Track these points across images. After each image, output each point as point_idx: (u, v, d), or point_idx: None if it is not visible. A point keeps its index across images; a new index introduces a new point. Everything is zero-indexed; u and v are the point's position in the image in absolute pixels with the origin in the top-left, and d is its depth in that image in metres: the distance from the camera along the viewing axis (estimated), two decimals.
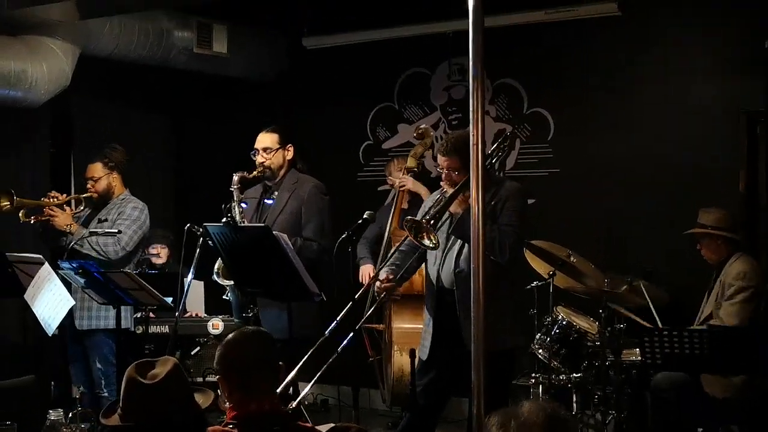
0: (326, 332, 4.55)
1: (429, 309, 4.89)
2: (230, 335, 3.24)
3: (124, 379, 3.04)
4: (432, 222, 4.52)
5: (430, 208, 4.72)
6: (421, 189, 6.47)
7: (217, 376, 3.17)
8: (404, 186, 6.56)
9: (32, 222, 5.86)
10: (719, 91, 6.45)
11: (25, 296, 5.26)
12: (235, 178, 5.33)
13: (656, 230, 6.45)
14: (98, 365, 5.83)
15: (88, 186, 6.01)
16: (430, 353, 4.82)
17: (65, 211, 5.90)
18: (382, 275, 4.87)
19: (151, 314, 6.30)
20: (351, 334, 4.50)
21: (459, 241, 4.70)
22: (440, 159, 4.74)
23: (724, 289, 5.41)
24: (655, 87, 6.68)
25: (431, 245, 4.55)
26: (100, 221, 5.89)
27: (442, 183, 4.80)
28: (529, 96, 7.13)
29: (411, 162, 6.62)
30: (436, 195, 4.89)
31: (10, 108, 6.50)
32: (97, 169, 5.98)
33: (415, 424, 4.94)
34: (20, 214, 5.86)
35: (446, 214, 4.69)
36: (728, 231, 5.51)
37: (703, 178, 6.40)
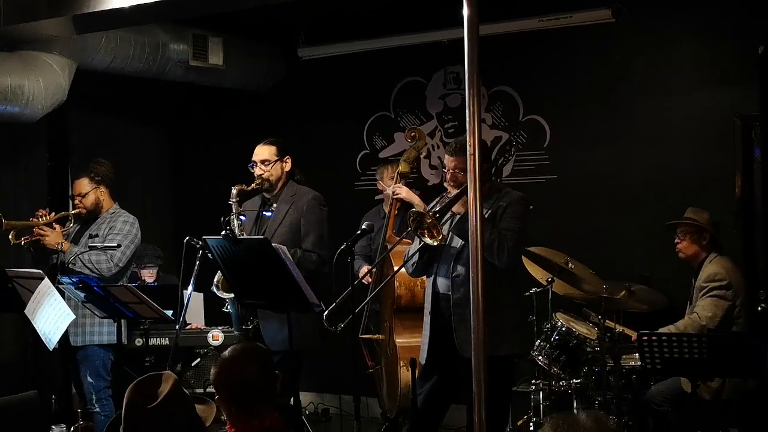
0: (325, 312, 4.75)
1: (426, 313, 4.92)
2: (224, 354, 3.22)
3: (125, 400, 2.98)
4: (438, 215, 4.56)
5: (432, 206, 4.76)
6: (415, 199, 6.14)
7: (216, 396, 3.15)
8: (398, 195, 6.27)
9: (23, 243, 5.82)
10: (714, 96, 6.47)
11: (25, 311, 5.25)
12: (234, 191, 5.33)
13: (653, 235, 6.46)
14: (89, 379, 5.78)
15: (76, 202, 5.99)
16: (429, 357, 4.85)
17: (55, 229, 5.86)
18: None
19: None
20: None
21: (458, 243, 4.72)
22: (447, 159, 4.81)
23: (697, 292, 5.56)
24: (649, 93, 6.70)
25: (432, 242, 4.56)
26: (91, 236, 5.86)
27: (446, 184, 4.85)
28: (524, 103, 7.15)
29: (404, 167, 6.35)
30: (436, 200, 4.94)
31: (8, 123, 6.52)
32: (83, 184, 5.95)
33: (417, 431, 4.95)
34: (10, 236, 5.82)
35: (447, 215, 4.72)
36: (711, 227, 5.65)
37: (699, 183, 6.41)
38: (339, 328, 4.79)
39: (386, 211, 6.55)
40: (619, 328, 5.64)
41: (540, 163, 7.07)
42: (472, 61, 3.22)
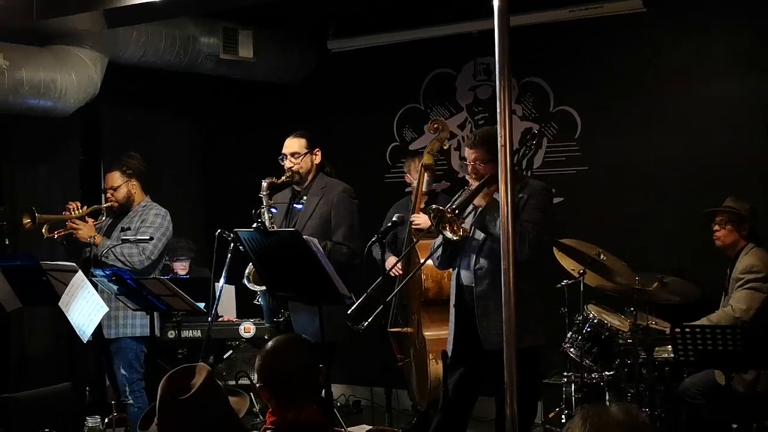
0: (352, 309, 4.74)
1: (451, 306, 4.92)
2: (268, 344, 3.23)
3: (158, 392, 2.99)
4: (457, 211, 4.54)
5: (454, 200, 4.74)
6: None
7: (258, 384, 3.18)
8: (418, 225, 6.11)
9: (56, 237, 5.86)
10: (746, 86, 6.40)
11: (59, 304, 5.29)
12: (264, 183, 5.35)
13: (685, 226, 6.41)
14: (122, 371, 5.82)
15: (108, 195, 6.01)
16: (455, 349, 4.85)
17: (87, 222, 5.88)
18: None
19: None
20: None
21: (480, 236, 4.71)
22: (467, 152, 4.79)
23: (733, 283, 5.52)
24: (681, 83, 6.64)
25: (453, 237, 4.55)
26: (123, 230, 5.89)
27: (467, 176, 4.84)
28: (555, 94, 7.11)
29: (428, 159, 6.36)
30: (459, 193, 4.92)
31: (40, 117, 6.56)
32: (115, 177, 5.98)
33: (447, 422, 4.95)
34: (43, 230, 5.86)
35: (470, 208, 4.70)
36: (750, 218, 5.60)
37: (732, 174, 6.35)
38: (362, 327, 4.79)
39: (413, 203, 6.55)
40: (653, 323, 5.60)
41: (571, 154, 7.03)
42: (502, 52, 3.21)
